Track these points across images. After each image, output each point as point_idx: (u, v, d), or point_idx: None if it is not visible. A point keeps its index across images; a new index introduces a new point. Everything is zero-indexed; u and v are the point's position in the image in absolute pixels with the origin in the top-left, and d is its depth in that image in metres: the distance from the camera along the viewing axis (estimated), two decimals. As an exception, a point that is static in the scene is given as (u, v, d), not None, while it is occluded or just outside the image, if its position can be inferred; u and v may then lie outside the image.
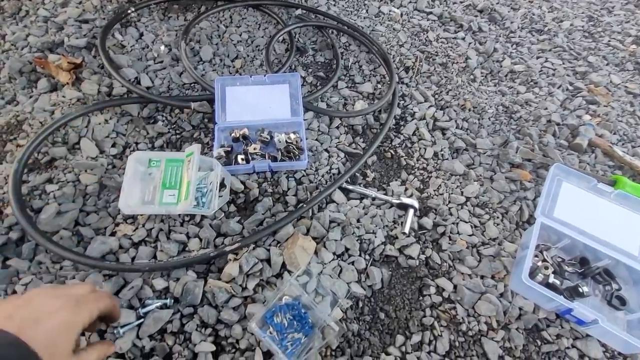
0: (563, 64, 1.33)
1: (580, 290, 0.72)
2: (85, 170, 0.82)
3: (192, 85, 1.03)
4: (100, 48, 0.97)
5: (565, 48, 1.38)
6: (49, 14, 1.08)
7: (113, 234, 0.76)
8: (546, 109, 1.14)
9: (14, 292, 0.66)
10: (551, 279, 0.74)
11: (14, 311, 0.36)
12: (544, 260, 0.78)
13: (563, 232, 0.80)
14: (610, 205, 0.84)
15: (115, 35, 1.08)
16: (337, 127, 1.01)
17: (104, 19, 1.10)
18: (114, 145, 0.88)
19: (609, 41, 1.46)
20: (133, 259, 0.73)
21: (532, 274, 0.75)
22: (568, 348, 0.72)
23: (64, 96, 0.91)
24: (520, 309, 0.75)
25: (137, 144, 0.90)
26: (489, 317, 0.74)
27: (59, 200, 0.76)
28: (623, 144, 1.09)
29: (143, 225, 0.78)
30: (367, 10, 1.38)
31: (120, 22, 1.10)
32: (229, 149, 0.89)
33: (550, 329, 0.74)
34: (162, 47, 1.08)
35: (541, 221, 0.80)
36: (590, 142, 1.05)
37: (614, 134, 1.10)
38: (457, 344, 0.71)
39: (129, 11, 1.10)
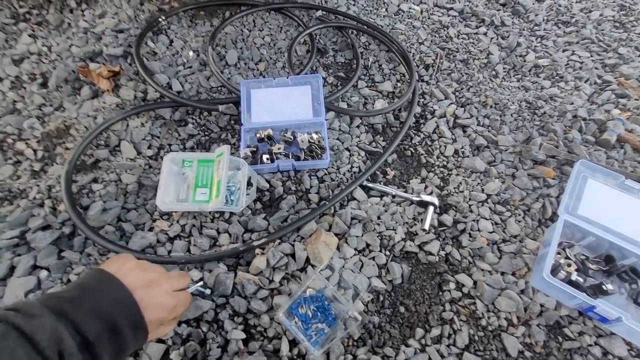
0: (591, 56, 1.29)
1: (604, 288, 0.72)
2: (126, 171, 0.89)
3: (219, 88, 1.09)
4: (136, 56, 1.04)
5: (594, 40, 1.33)
6: (88, 25, 1.17)
7: (151, 229, 0.83)
8: (572, 103, 1.12)
9: (69, 280, 0.74)
10: (574, 277, 0.74)
11: (149, 285, 0.46)
12: (567, 258, 0.78)
13: (587, 230, 0.79)
14: (638, 202, 0.83)
15: (148, 43, 1.15)
16: (358, 127, 1.04)
17: (137, 28, 1.17)
18: (149, 147, 0.95)
19: (643, 31, 1.39)
20: (169, 252, 0.79)
21: (554, 271, 0.75)
22: (591, 345, 0.72)
23: (104, 102, 0.99)
24: (541, 305, 0.76)
25: (170, 145, 0.97)
26: (509, 313, 0.75)
27: (104, 198, 0.83)
28: (656, 139, 1.05)
29: (177, 222, 0.84)
30: (386, 9, 1.39)
31: (152, 31, 1.17)
32: (255, 149, 0.94)
33: (573, 326, 0.74)
34: (191, 53, 1.14)
35: (564, 218, 0.80)
36: (619, 138, 1.02)
37: (646, 128, 1.07)
38: (476, 338, 0.73)
39: (160, 19, 1.17)
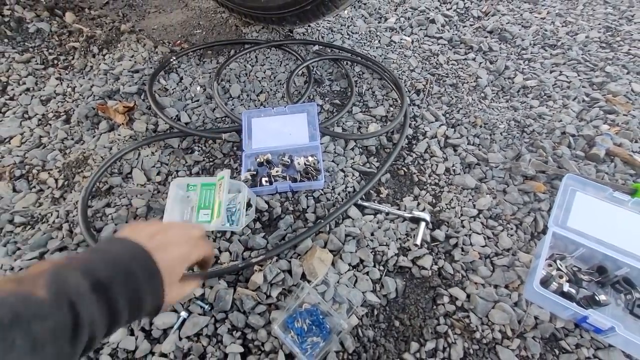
0: (578, 75, 1.34)
1: (597, 299, 0.73)
2: (136, 196, 0.96)
3: (223, 118, 1.18)
4: (148, 93, 1.15)
5: (580, 60, 1.39)
6: (108, 67, 1.30)
7: (158, 249, 0.88)
8: (560, 121, 1.16)
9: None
10: (566, 288, 0.75)
11: (154, 234, 0.45)
12: (559, 269, 0.79)
13: (578, 242, 0.81)
14: (627, 213, 0.84)
15: (160, 80, 1.27)
16: (352, 149, 1.10)
17: (151, 68, 1.30)
18: (158, 174, 1.03)
19: (629, 50, 1.44)
20: (174, 270, 0.84)
21: (546, 283, 0.76)
22: (589, 358, 0.72)
23: (119, 134, 1.09)
24: (535, 318, 0.76)
25: (177, 171, 1.04)
26: (503, 325, 0.76)
27: (116, 221, 0.90)
28: (646, 152, 1.07)
29: (182, 242, 0.89)
30: (379, 41, 1.49)
31: (164, 70, 1.30)
32: (255, 172, 1.00)
33: (569, 339, 0.74)
34: (198, 88, 1.25)
35: (553, 231, 0.82)
36: (608, 152, 1.05)
37: (635, 142, 1.09)
38: (471, 351, 0.74)
39: (171, 60, 1.30)
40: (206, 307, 0.77)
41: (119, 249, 0.41)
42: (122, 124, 1.10)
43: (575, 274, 0.79)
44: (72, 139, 1.11)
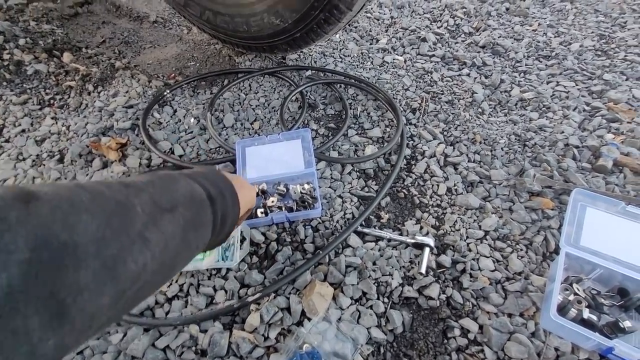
0: (576, 85, 1.32)
1: (622, 326, 0.67)
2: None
3: (217, 149, 1.16)
4: (142, 128, 1.15)
5: (576, 70, 1.37)
6: (102, 104, 1.31)
7: (150, 290, 0.84)
8: (562, 132, 1.12)
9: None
10: (586, 314, 0.69)
11: (237, 177, 0.60)
12: (576, 294, 0.73)
13: (594, 262, 0.76)
14: (644, 228, 0.79)
15: (154, 114, 1.27)
16: (349, 173, 1.07)
17: (145, 102, 1.30)
18: (152, 210, 1.00)
19: (626, 56, 1.43)
20: (167, 313, 0.80)
21: (564, 310, 0.71)
22: (620, 394, 0.65)
23: (112, 171, 1.08)
24: (556, 349, 0.70)
25: (171, 206, 1.02)
26: (521, 359, 0.70)
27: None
28: (656, 160, 1.03)
29: (176, 281, 0.85)
30: (371, 62, 1.49)
31: (158, 103, 1.30)
32: (250, 203, 0.97)
33: (596, 372, 0.68)
34: (192, 120, 1.24)
35: (566, 251, 0.77)
36: (616, 162, 1.01)
37: (643, 150, 1.05)
38: (489, 391, 0.67)
39: (165, 93, 1.30)
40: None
41: (216, 177, 0.52)
42: (115, 160, 1.09)
43: (595, 298, 0.73)
44: (66, 178, 1.10)
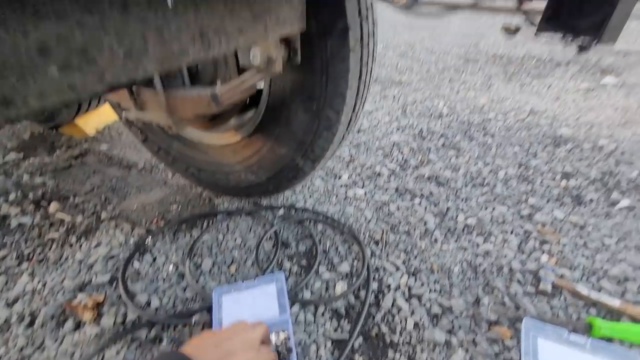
0: (509, 209, 1.56)
1: None
2: (93, 411, 0.88)
3: (194, 297, 1.20)
4: (121, 281, 1.19)
5: (505, 195, 1.64)
6: (83, 256, 1.36)
7: None
8: (505, 256, 1.28)
9: None
10: None
11: (221, 342, 0.54)
12: None
13: (556, 399, 0.80)
14: (588, 358, 0.87)
15: (134, 263, 1.33)
16: (322, 314, 1.12)
17: (126, 251, 1.38)
18: (122, 375, 0.97)
19: (542, 181, 1.74)
20: None
21: None
22: None
23: (84, 333, 1.07)
24: None
25: (143, 368, 0.99)
26: None
27: None
28: (587, 279, 1.18)
29: None
30: (336, 197, 1.71)
31: (139, 252, 1.37)
32: (225, 359, 0.98)
33: None
34: (171, 267, 1.31)
35: (528, 390, 0.81)
36: (554, 285, 1.14)
37: (574, 270, 1.20)
38: None
39: (146, 242, 1.39)
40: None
41: None
42: (89, 321, 1.09)
43: None
44: (33, 344, 1.07)
